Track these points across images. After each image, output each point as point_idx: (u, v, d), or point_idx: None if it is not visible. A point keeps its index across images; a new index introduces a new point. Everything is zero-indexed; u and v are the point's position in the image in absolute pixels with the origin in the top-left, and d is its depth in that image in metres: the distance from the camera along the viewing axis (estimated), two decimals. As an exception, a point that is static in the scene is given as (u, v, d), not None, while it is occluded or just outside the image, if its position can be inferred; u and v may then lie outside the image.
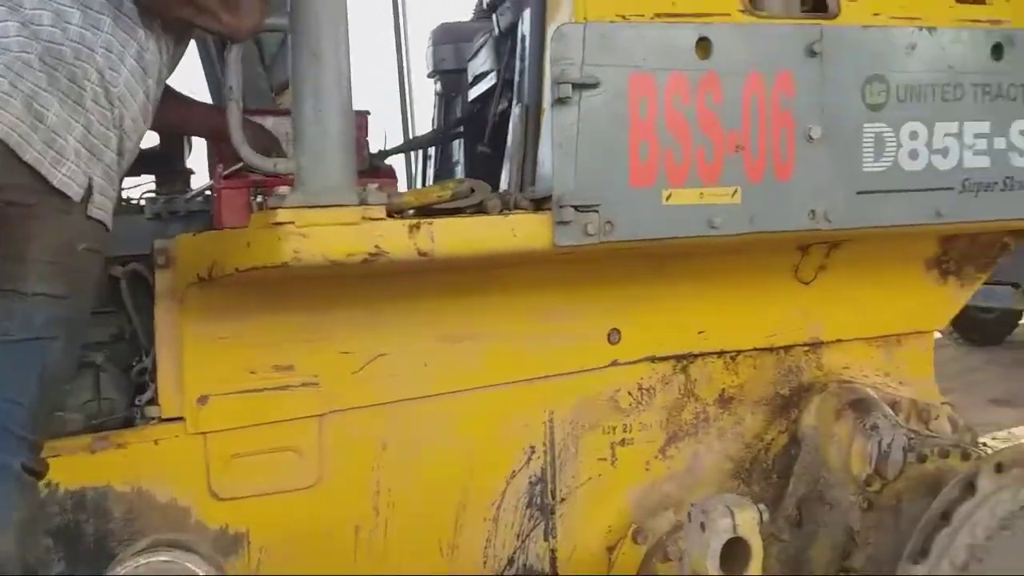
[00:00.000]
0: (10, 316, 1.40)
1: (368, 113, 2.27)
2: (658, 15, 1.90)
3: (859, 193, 2.00)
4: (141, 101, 1.59)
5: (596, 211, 1.83)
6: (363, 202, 1.69)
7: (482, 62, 2.69)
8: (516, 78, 2.08)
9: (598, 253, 1.91)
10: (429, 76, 3.16)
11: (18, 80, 1.33)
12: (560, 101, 1.78)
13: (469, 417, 2.14)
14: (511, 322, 2.13)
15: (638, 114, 1.84)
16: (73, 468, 1.87)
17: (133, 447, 1.93)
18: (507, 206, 1.90)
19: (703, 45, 1.87)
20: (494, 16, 2.47)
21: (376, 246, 1.71)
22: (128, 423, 1.98)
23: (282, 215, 1.64)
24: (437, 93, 3.18)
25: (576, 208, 1.81)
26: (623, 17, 1.87)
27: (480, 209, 1.88)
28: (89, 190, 1.44)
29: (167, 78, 1.75)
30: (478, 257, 1.84)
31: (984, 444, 5.09)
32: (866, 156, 2.00)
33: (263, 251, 1.68)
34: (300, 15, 1.66)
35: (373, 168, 2.24)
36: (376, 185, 1.72)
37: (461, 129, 2.92)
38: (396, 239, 1.72)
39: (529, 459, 2.20)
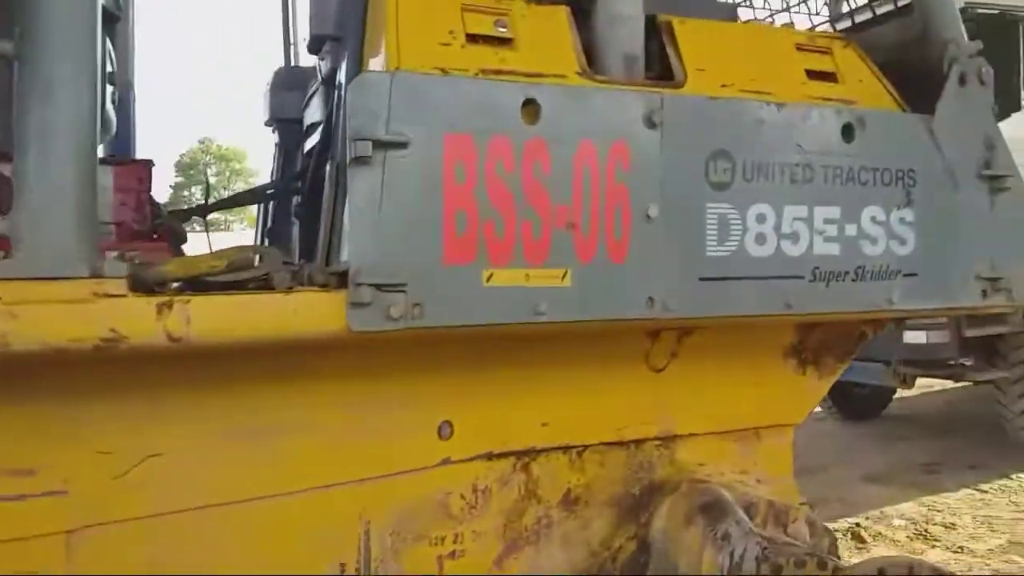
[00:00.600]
0: None
1: (151, 163, 1.94)
2: (484, 71, 1.68)
3: (702, 279, 1.81)
4: None
5: (402, 291, 1.56)
6: (96, 274, 1.36)
7: (313, 111, 2.43)
8: (334, 132, 1.82)
9: (408, 339, 1.64)
10: (266, 124, 2.87)
11: None
12: (359, 160, 1.52)
13: (264, 531, 1.77)
14: (319, 415, 1.80)
15: (454, 180, 1.59)
16: None
17: None
18: (300, 281, 1.61)
19: (530, 108, 1.66)
20: (317, 61, 2.21)
21: (112, 330, 1.38)
22: None
23: (-17, 288, 1.30)
24: (276, 144, 2.89)
25: (377, 287, 1.54)
26: (442, 71, 1.64)
27: (265, 283, 1.58)
28: None
29: None
30: (254, 344, 1.53)
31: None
32: (710, 239, 1.82)
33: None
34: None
35: (156, 228, 1.90)
36: (116, 253, 1.40)
37: (297, 185, 2.63)
38: (139, 321, 1.40)
39: (338, 578, 1.85)
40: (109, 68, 2.11)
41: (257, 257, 1.60)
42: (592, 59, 1.86)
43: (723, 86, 1.90)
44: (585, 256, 1.71)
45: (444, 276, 1.60)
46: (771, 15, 2.53)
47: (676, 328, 2.06)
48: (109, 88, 2.16)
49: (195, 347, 1.45)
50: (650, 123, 1.74)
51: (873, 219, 1.97)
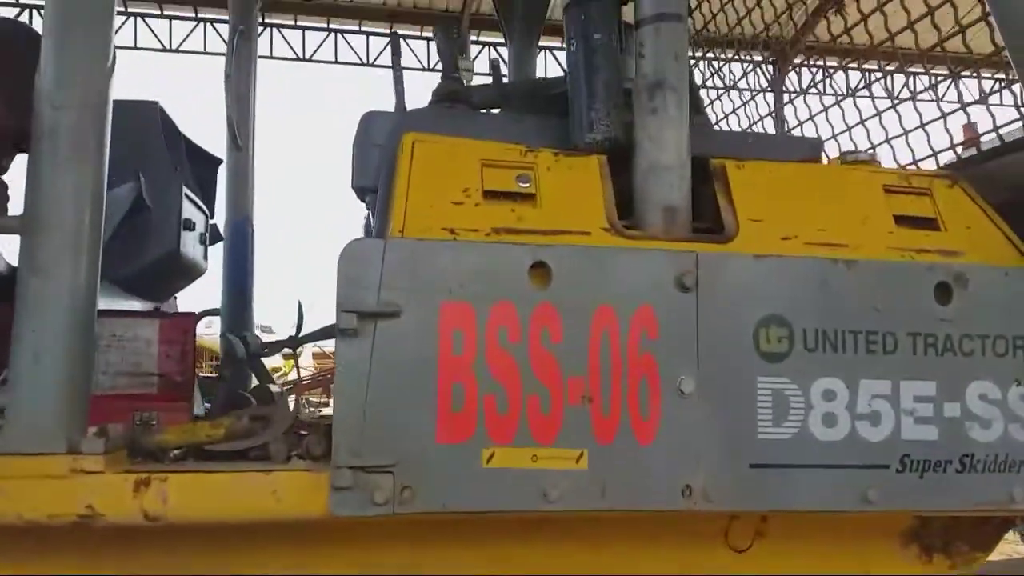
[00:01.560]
0: None
1: (197, 316, 2.00)
2: (497, 231, 1.58)
3: (753, 466, 1.54)
4: None
5: (390, 473, 1.45)
6: (74, 450, 1.36)
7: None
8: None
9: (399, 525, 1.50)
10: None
11: None
12: (345, 333, 1.44)
13: None
14: None
15: (451, 351, 1.48)
16: None
17: None
18: (301, 452, 1.55)
19: (540, 271, 1.52)
20: (366, 208, 2.19)
21: (89, 506, 1.37)
22: None
23: (-35, 462, 1.34)
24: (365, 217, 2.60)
25: (360, 469, 1.43)
26: (451, 231, 1.55)
27: (262, 454, 1.53)
28: None
29: None
30: (239, 524, 1.47)
31: None
32: (762, 419, 1.55)
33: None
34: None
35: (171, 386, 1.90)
36: (95, 429, 1.40)
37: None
38: (116, 498, 1.37)
39: None
40: (187, 214, 2.23)
41: (256, 424, 1.56)
42: (630, 211, 1.70)
43: (784, 239, 1.66)
44: (605, 436, 1.51)
45: (437, 456, 1.46)
46: (895, 103, 2.22)
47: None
48: (191, 233, 2.28)
49: (173, 526, 1.41)
50: (682, 286, 1.54)
51: (983, 397, 1.60)
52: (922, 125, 2.30)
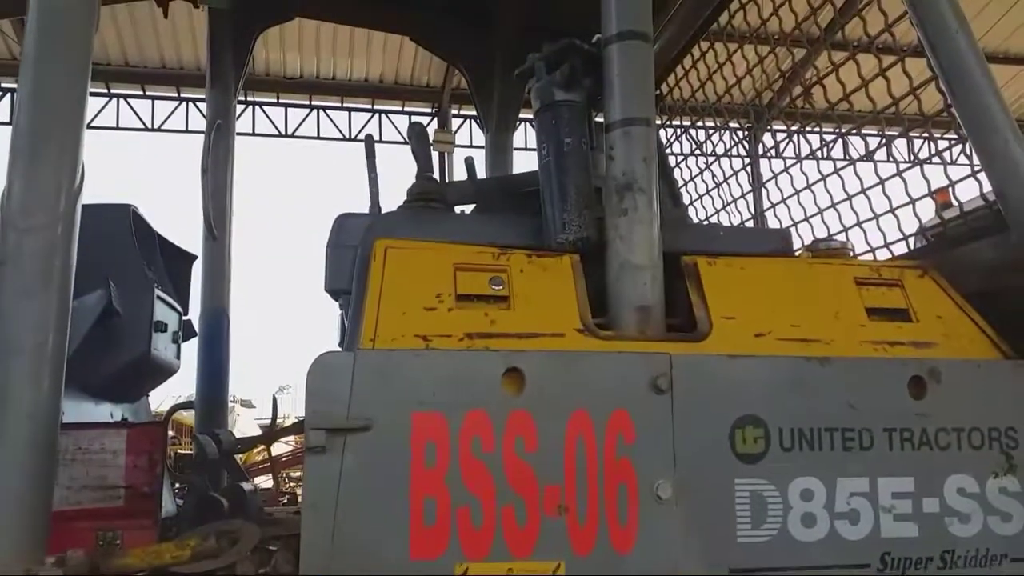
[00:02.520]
0: None
1: (164, 424, 1.96)
2: (470, 335, 1.57)
3: (734, 571, 1.51)
4: None
5: (362, 589, 1.40)
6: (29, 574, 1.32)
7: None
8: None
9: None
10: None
11: None
12: (314, 450, 1.42)
13: None
14: None
15: (423, 464, 1.45)
16: None
17: None
18: (270, 570, 1.50)
19: (513, 377, 1.51)
20: (340, 309, 2.19)
21: (45, 637, 1.32)
22: None
23: (-81, 596, 1.29)
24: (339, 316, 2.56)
25: (331, 587, 1.39)
26: (424, 338, 1.55)
27: (230, 573, 1.48)
28: None
29: None
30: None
31: None
32: (741, 522, 1.52)
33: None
34: None
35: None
36: (53, 559, 1.35)
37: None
38: (75, 627, 1.33)
39: None
40: (159, 315, 2.22)
41: (224, 541, 1.51)
42: (603, 310, 1.70)
43: (758, 336, 1.66)
44: (582, 546, 1.48)
45: (410, 573, 1.42)
46: (899, 171, 2.25)
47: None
48: (163, 334, 2.26)
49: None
50: (656, 388, 1.53)
51: (961, 491, 1.59)
52: (891, 209, 2.34)
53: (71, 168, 1.51)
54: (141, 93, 10.72)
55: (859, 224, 2.41)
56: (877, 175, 2.40)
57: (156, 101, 10.84)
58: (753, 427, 1.56)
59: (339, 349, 2.48)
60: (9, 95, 10.39)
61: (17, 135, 1.53)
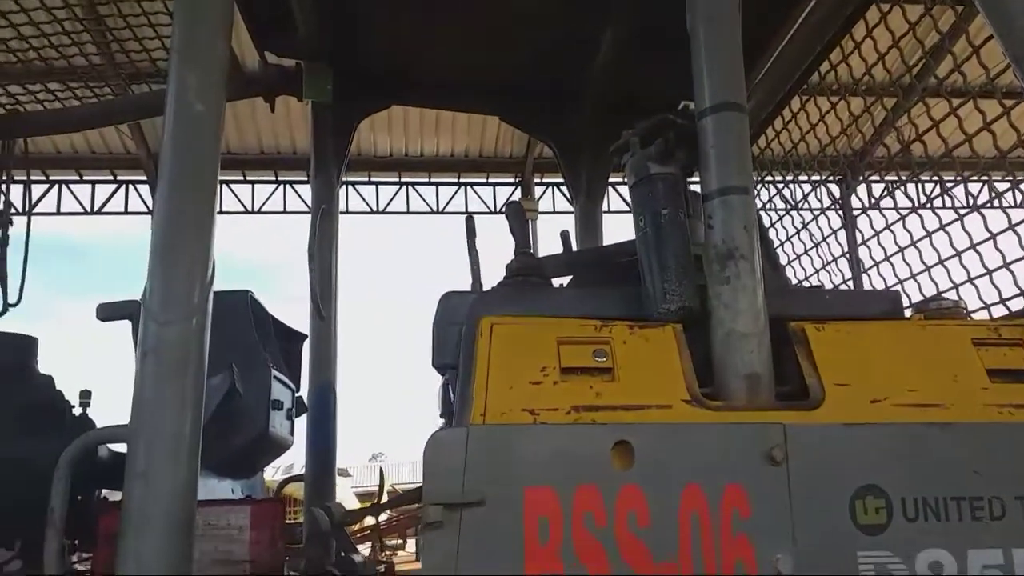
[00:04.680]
0: None
1: (283, 502, 2.04)
2: (577, 408, 1.59)
3: (864, 650, 1.45)
4: None
5: (476, 668, 1.41)
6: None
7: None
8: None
9: None
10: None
11: None
12: (431, 526, 1.46)
13: None
14: None
15: (536, 539, 1.47)
16: None
17: None
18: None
19: (622, 450, 1.52)
20: (447, 384, 2.24)
21: None
22: None
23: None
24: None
25: (450, 665, 1.41)
26: (532, 412, 1.58)
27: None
28: None
29: None
30: None
31: None
32: (868, 597, 1.46)
33: None
34: (134, 430, 1.53)
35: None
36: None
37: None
38: None
39: None
40: (275, 395, 2.32)
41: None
42: (708, 380, 1.70)
43: (874, 402, 1.62)
44: (702, 623, 1.45)
45: (530, 648, 1.43)
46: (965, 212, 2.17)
47: None
48: (278, 412, 2.37)
49: None
50: (771, 460, 1.51)
51: (1112, 563, 1.48)
52: (1005, 264, 2.26)
53: (203, 263, 1.64)
54: (242, 178, 11.38)
55: (970, 280, 2.33)
56: (987, 228, 2.33)
57: (256, 185, 11.48)
58: (874, 497, 1.51)
59: (441, 420, 2.56)
60: (124, 187, 11.19)
61: (155, 234, 1.68)
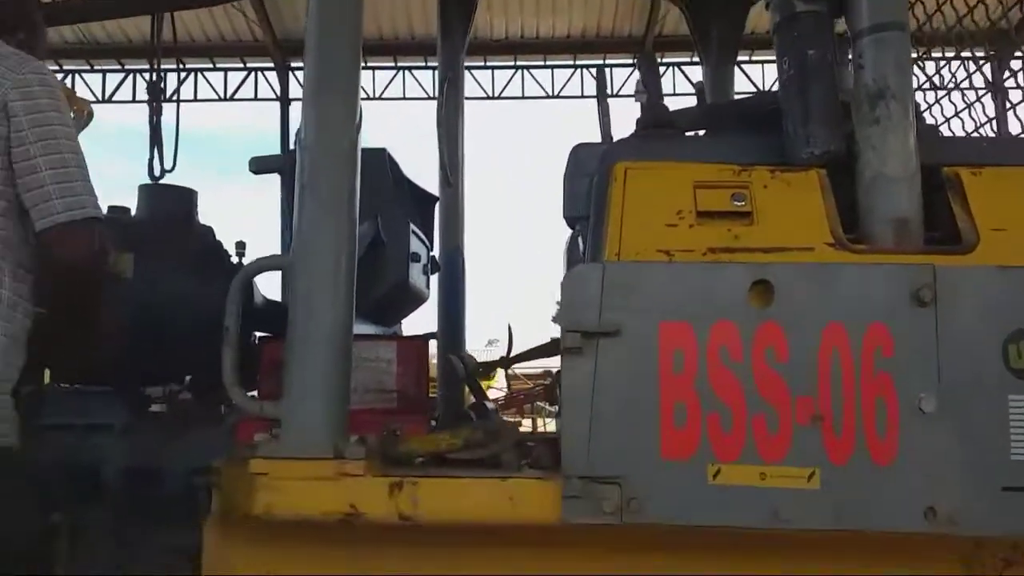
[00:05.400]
0: None
1: (428, 338, 2.16)
2: (713, 250, 1.60)
3: (1006, 489, 1.44)
4: (20, 322, 1.56)
5: (616, 485, 1.50)
6: (339, 455, 1.54)
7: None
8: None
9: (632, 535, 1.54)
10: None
11: None
12: (570, 351, 1.53)
13: None
14: None
15: (671, 370, 1.51)
16: None
17: None
18: (531, 461, 1.64)
19: (761, 290, 1.52)
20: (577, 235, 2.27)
21: (352, 506, 1.54)
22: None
23: (255, 465, 1.55)
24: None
25: (589, 480, 1.50)
26: (666, 253, 1.60)
27: (495, 462, 1.64)
28: None
29: None
30: (481, 527, 1.58)
31: None
32: (1016, 439, 1.44)
33: (241, 500, 1.59)
34: (294, 258, 1.64)
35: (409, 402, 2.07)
36: (356, 438, 1.57)
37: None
38: (374, 499, 1.54)
39: None
40: (413, 248, 2.44)
41: (489, 435, 1.67)
42: (855, 224, 1.65)
43: (1033, 245, 1.54)
44: (838, 456, 1.48)
45: (662, 471, 1.50)
46: None
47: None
48: (416, 264, 2.49)
49: (424, 526, 1.55)
50: (919, 301, 1.48)
51: None
52: None
53: (352, 106, 1.72)
54: (363, 65, 11.51)
55: None
56: None
57: (376, 71, 11.60)
58: (1030, 341, 1.46)
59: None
60: (252, 74, 11.56)
61: (308, 81, 1.76)
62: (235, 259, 2.53)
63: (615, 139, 2.22)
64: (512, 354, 2.72)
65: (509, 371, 3.02)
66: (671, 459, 1.50)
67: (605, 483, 1.50)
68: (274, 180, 2.42)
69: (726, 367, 1.51)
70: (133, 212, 2.57)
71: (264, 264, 1.74)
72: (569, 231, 2.30)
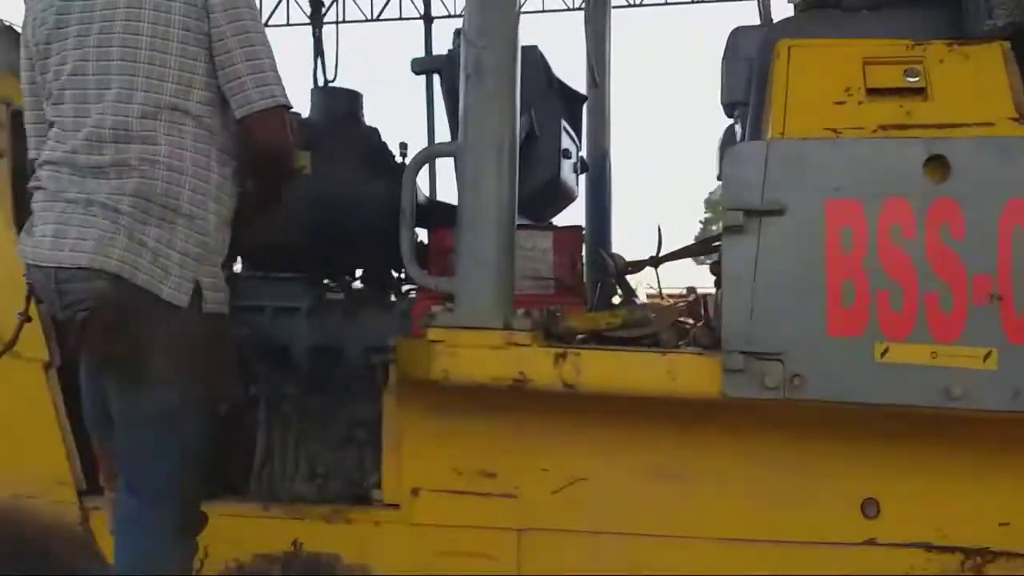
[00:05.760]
0: (145, 403, 1.62)
1: (581, 229, 2.22)
2: (884, 127, 1.55)
3: None
4: (227, 203, 1.72)
5: (779, 361, 1.54)
6: (508, 326, 1.66)
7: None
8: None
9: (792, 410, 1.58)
10: (718, 179, 2.83)
11: (118, 217, 1.56)
12: (732, 230, 1.55)
13: (684, 568, 1.80)
14: (733, 468, 1.78)
15: (839, 248, 1.51)
16: (314, 533, 2.06)
17: (359, 525, 2.04)
18: (689, 340, 1.70)
19: (936, 165, 1.47)
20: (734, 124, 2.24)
21: (520, 373, 1.66)
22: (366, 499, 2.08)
23: (432, 334, 1.69)
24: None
25: (751, 355, 1.54)
26: (834, 131, 1.57)
27: (655, 341, 1.71)
28: (198, 291, 1.63)
29: None
30: (638, 396, 1.66)
31: None
32: None
33: (420, 367, 1.74)
34: (462, 145, 1.74)
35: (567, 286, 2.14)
36: (523, 311, 1.68)
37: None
38: (541, 368, 1.65)
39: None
40: (564, 144, 2.48)
41: (649, 315, 1.74)
42: (1040, 99, 1.55)
43: None
44: (1018, 335, 1.44)
45: (827, 348, 1.52)
46: None
47: None
48: (567, 161, 2.53)
49: (586, 394, 1.65)
50: (1111, 173, 1.39)
51: None
52: None
53: (510, 3, 1.78)
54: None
55: None
56: None
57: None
58: None
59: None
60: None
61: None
62: (398, 159, 2.67)
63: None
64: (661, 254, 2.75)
65: (648, 291, 3.05)
66: (837, 336, 1.51)
67: (768, 359, 1.54)
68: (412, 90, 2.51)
69: (897, 244, 1.49)
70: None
71: (436, 151, 1.85)
72: (722, 129, 2.30)
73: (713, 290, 2.09)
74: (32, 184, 1.67)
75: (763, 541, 1.78)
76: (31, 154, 1.75)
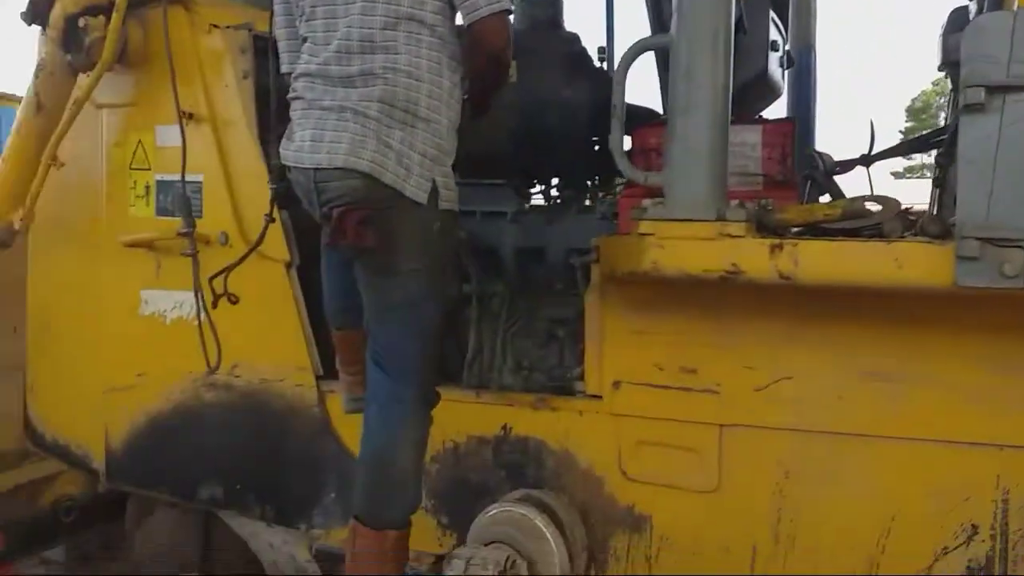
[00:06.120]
0: (392, 290, 1.81)
1: (793, 121, 2.14)
2: None
3: None
4: (456, 109, 1.83)
5: (1019, 248, 1.45)
6: (721, 218, 1.66)
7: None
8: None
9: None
10: (939, 69, 2.69)
11: (367, 122, 1.71)
12: (971, 108, 1.45)
13: (891, 469, 1.81)
14: (955, 369, 1.72)
15: (1098, 125, 1.37)
16: (521, 419, 2.23)
17: (563, 413, 2.18)
18: (915, 231, 1.63)
19: None
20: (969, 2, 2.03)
21: (733, 264, 1.67)
22: (569, 390, 2.21)
23: (643, 227, 1.73)
24: (950, 90, 2.70)
25: (988, 242, 1.46)
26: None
27: (878, 232, 1.66)
28: (435, 190, 1.76)
29: None
30: (858, 289, 1.62)
31: None
32: None
33: (630, 260, 1.80)
34: (676, 36, 1.72)
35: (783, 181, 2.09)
36: (737, 202, 1.67)
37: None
38: (755, 259, 1.65)
39: (969, 540, 1.78)
40: (772, 36, 2.38)
41: (869, 207, 1.68)
42: None
43: None
44: None
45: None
46: None
47: None
48: (775, 55, 2.44)
49: (803, 286, 1.63)
50: None
51: None
52: None
53: None
54: None
55: None
56: None
57: None
58: None
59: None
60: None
61: None
62: (598, 64, 2.68)
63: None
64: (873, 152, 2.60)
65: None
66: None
67: (1007, 246, 1.45)
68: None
69: None
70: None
71: (648, 43, 1.85)
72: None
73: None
74: (290, 95, 1.86)
75: (986, 444, 1.72)
76: (284, 68, 1.95)
